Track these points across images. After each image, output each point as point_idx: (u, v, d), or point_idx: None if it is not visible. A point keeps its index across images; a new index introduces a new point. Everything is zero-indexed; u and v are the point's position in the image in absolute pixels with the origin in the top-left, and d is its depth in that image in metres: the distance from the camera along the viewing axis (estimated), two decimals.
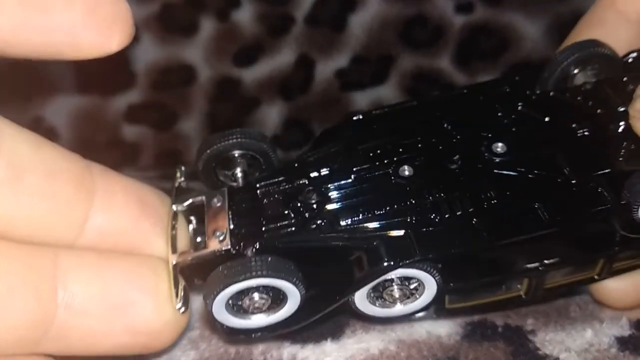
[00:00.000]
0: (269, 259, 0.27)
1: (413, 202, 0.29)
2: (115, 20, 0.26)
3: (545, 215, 0.28)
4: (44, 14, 0.25)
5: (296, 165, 0.31)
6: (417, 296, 0.29)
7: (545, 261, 0.29)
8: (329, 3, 0.55)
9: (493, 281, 0.30)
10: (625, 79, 0.33)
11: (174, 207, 0.31)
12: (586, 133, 0.31)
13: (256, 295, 0.28)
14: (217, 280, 0.27)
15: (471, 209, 0.29)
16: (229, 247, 0.29)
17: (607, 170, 0.29)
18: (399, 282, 0.29)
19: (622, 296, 0.31)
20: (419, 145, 0.31)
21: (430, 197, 0.29)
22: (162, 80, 0.55)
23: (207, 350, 0.31)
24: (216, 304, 0.28)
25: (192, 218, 0.31)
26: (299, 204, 0.30)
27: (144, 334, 0.28)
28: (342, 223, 0.29)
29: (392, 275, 0.28)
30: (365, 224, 0.29)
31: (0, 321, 0.25)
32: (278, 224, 0.29)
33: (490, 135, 0.31)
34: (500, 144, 0.31)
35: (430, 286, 0.29)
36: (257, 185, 0.31)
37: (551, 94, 0.33)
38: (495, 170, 0.30)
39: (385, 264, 0.27)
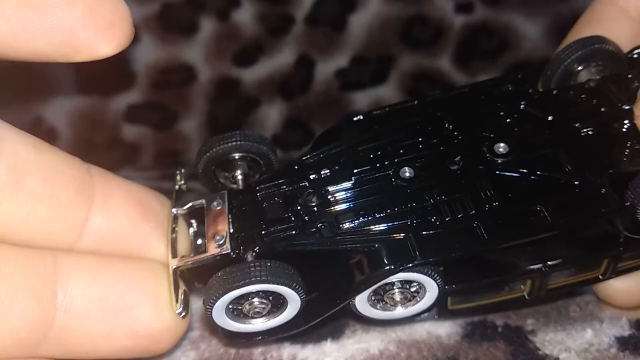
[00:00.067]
0: (269, 264, 0.27)
1: (414, 204, 0.29)
2: (115, 22, 0.26)
3: (547, 218, 0.28)
4: (44, 16, 0.25)
5: (296, 167, 0.31)
6: (419, 299, 0.29)
7: (549, 262, 0.29)
8: (329, 3, 0.55)
9: (496, 282, 0.30)
10: (630, 75, 0.32)
11: (174, 211, 0.31)
12: (590, 132, 0.31)
13: (256, 300, 0.28)
14: (216, 285, 0.27)
15: (472, 212, 0.28)
16: (229, 251, 0.28)
17: (610, 171, 0.29)
18: (400, 286, 0.28)
19: (627, 296, 0.31)
20: (420, 146, 0.31)
21: (431, 200, 0.29)
22: (162, 80, 0.55)
23: (207, 351, 0.31)
24: (216, 309, 0.28)
25: (193, 221, 0.31)
26: (299, 207, 0.30)
27: (143, 338, 0.28)
28: (343, 226, 0.29)
29: (393, 278, 0.28)
30: (366, 227, 0.29)
31: (0, 324, 0.25)
32: (278, 228, 0.29)
33: (492, 135, 0.31)
34: (502, 145, 0.30)
35: (432, 289, 0.29)
36: (257, 188, 0.31)
37: (554, 92, 0.33)
38: (497, 172, 0.30)
39: (386, 268, 0.27)
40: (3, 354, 0.26)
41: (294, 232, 0.29)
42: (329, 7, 0.55)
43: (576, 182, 0.29)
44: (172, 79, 0.55)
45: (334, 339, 0.31)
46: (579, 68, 0.33)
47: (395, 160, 0.31)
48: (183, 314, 0.28)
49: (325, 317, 0.29)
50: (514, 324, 0.32)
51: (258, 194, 0.30)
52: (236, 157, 0.32)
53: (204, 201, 0.31)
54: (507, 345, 0.31)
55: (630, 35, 0.34)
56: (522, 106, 0.32)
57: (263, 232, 0.29)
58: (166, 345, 0.29)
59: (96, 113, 0.55)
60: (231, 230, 0.29)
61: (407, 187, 0.30)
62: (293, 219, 0.29)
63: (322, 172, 0.31)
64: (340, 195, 0.30)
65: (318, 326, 0.30)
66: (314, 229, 0.29)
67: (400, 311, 0.30)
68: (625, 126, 0.30)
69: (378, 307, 0.29)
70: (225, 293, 0.27)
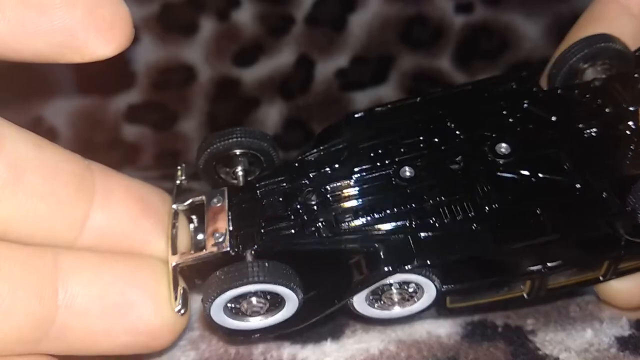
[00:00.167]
0: (267, 264, 0.27)
1: (413, 205, 0.29)
2: (115, 23, 0.26)
3: (546, 222, 0.28)
4: (44, 17, 0.25)
5: (297, 164, 0.31)
6: (416, 299, 0.29)
7: (548, 264, 0.28)
8: (329, 3, 0.55)
9: (494, 283, 0.30)
10: (636, 75, 0.32)
11: (175, 207, 0.31)
12: (593, 133, 0.30)
13: (254, 299, 0.28)
14: (214, 285, 0.27)
15: (472, 214, 0.28)
16: (228, 249, 0.29)
17: (613, 174, 0.29)
18: (398, 286, 0.28)
19: (629, 297, 0.31)
20: (421, 145, 0.31)
21: (431, 200, 0.29)
22: (162, 80, 0.55)
23: (207, 351, 0.31)
24: (214, 307, 0.28)
25: (193, 217, 0.32)
26: (298, 205, 0.30)
27: (143, 334, 0.28)
28: (342, 226, 0.29)
29: (391, 279, 0.28)
30: (365, 228, 0.28)
31: (2, 322, 0.25)
32: (277, 226, 0.29)
33: (494, 135, 0.31)
34: (504, 145, 0.30)
35: (430, 290, 0.29)
36: (257, 185, 0.31)
37: (559, 91, 0.32)
38: (498, 173, 0.29)
39: (384, 269, 0.27)
40: (4, 350, 0.26)
41: (293, 231, 0.29)
42: (329, 7, 0.55)
43: (577, 185, 0.29)
44: (172, 79, 0.55)
45: (334, 339, 0.31)
46: (585, 66, 0.33)
47: (396, 159, 0.30)
48: (182, 311, 0.28)
49: (323, 315, 0.29)
50: (514, 324, 0.32)
51: (258, 191, 0.30)
52: (237, 153, 0.32)
53: (204, 197, 0.31)
54: (507, 345, 0.31)
55: (633, 33, 0.33)
56: (525, 105, 0.32)
57: (262, 231, 0.29)
58: (166, 342, 0.29)
59: (96, 113, 0.55)
60: (230, 228, 0.29)
61: (407, 187, 0.29)
62: (292, 217, 0.29)
63: (323, 170, 0.31)
64: (339, 194, 0.30)
65: (318, 326, 0.30)
66: (313, 228, 0.29)
67: (398, 310, 0.30)
68: (630, 128, 0.30)
69: (376, 306, 0.29)
70: (223, 293, 0.27)
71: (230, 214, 0.30)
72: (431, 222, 0.28)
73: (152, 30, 0.53)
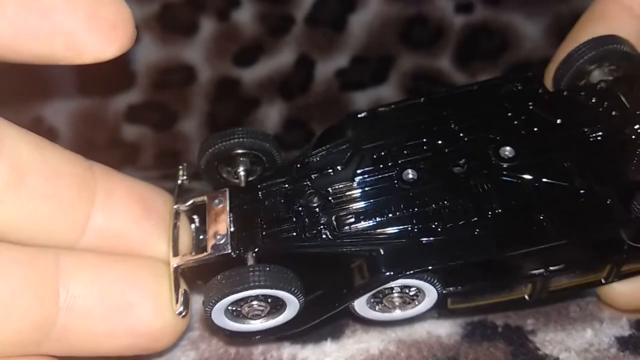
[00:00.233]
0: (267, 269, 0.27)
1: (415, 209, 0.29)
2: (117, 24, 0.26)
3: (549, 228, 0.27)
4: (45, 19, 0.25)
5: (299, 165, 0.31)
6: (417, 303, 0.29)
7: (550, 267, 0.28)
8: (329, 3, 0.54)
9: (496, 286, 0.30)
10: None
11: (176, 207, 0.31)
12: (599, 138, 0.30)
13: (255, 303, 0.28)
14: (215, 289, 0.27)
15: (474, 218, 0.28)
16: (229, 251, 0.28)
17: (617, 180, 0.28)
18: (399, 290, 0.28)
19: (631, 299, 0.31)
20: (425, 147, 0.31)
21: (433, 204, 0.28)
22: (162, 80, 0.55)
23: (207, 351, 0.31)
24: (215, 311, 0.28)
25: (195, 216, 0.31)
26: (300, 208, 0.29)
27: (144, 336, 0.28)
28: (343, 229, 0.29)
29: (393, 283, 0.28)
30: (366, 231, 0.28)
31: (3, 323, 0.25)
32: (278, 229, 0.29)
33: (498, 137, 0.30)
34: (508, 148, 0.30)
35: (431, 294, 0.29)
36: (259, 186, 0.31)
37: (564, 93, 0.32)
38: (502, 177, 0.29)
39: (386, 274, 0.27)
40: (5, 352, 0.26)
41: (294, 234, 0.29)
42: (329, 7, 0.55)
43: (581, 191, 0.28)
44: (172, 79, 0.55)
45: (334, 339, 0.31)
46: (592, 68, 0.32)
47: (399, 162, 0.30)
48: (183, 313, 0.28)
49: (324, 318, 0.29)
50: (514, 324, 0.32)
51: (259, 193, 0.30)
52: (239, 154, 0.31)
53: (205, 198, 0.31)
54: (507, 345, 0.31)
55: (635, 34, 0.33)
56: (530, 107, 0.32)
57: (264, 233, 0.29)
58: (166, 343, 0.29)
59: (96, 113, 0.55)
60: (232, 229, 0.29)
61: (409, 190, 0.29)
62: (294, 219, 0.29)
63: (325, 172, 0.30)
64: (341, 197, 0.30)
65: (318, 326, 0.30)
66: (315, 231, 0.29)
67: (399, 313, 0.30)
68: (636, 132, 0.30)
69: (377, 308, 0.29)
70: (224, 297, 0.27)
71: (231, 215, 0.30)
72: (433, 226, 0.28)
73: (152, 30, 0.53)
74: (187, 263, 0.29)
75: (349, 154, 0.31)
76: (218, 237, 0.29)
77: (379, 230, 0.28)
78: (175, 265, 0.29)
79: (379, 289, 0.28)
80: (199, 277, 0.30)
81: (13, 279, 0.25)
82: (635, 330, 0.31)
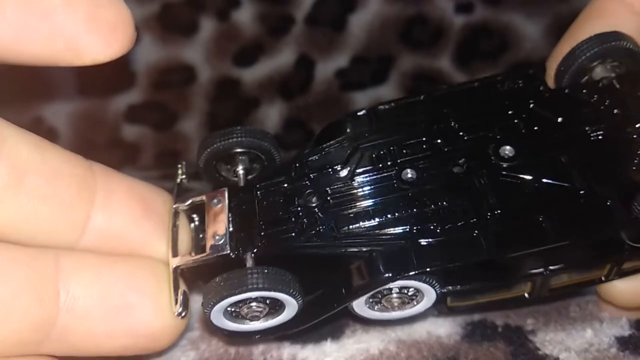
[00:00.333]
0: (266, 271, 0.27)
1: (414, 210, 0.28)
2: (117, 26, 0.26)
3: (548, 230, 0.27)
4: (45, 21, 0.25)
5: (297, 164, 0.31)
6: (416, 303, 0.29)
7: (550, 267, 0.28)
8: (329, 3, 0.54)
9: (496, 285, 0.29)
10: None
11: (175, 206, 0.31)
12: (600, 137, 0.29)
13: (254, 304, 0.28)
14: (214, 291, 0.27)
15: (473, 219, 0.28)
16: (228, 252, 0.28)
17: (618, 180, 0.28)
18: (398, 291, 0.28)
19: (631, 297, 0.31)
20: (424, 146, 0.30)
21: (432, 205, 0.28)
22: (162, 80, 0.55)
23: (207, 351, 0.31)
24: (214, 312, 0.28)
25: (195, 215, 0.32)
26: (298, 208, 0.29)
27: (144, 336, 0.28)
28: (342, 230, 0.28)
29: (392, 284, 0.28)
30: (365, 232, 0.28)
31: (3, 324, 0.25)
32: (277, 229, 0.29)
33: (499, 136, 0.30)
34: (508, 148, 0.30)
35: (429, 294, 0.28)
36: (258, 186, 0.31)
37: (566, 91, 0.32)
38: (501, 177, 0.29)
39: (384, 276, 0.27)
40: (5, 352, 0.26)
41: (293, 234, 0.29)
42: (329, 7, 0.55)
43: (581, 192, 0.28)
44: (172, 79, 0.55)
45: (334, 339, 0.31)
46: (594, 64, 0.32)
47: (398, 161, 0.30)
48: (182, 314, 0.28)
49: (322, 318, 0.29)
50: (514, 324, 0.32)
51: (258, 192, 0.30)
52: (238, 152, 0.31)
53: (204, 198, 0.31)
54: (507, 345, 0.31)
55: (635, 31, 0.33)
56: (531, 105, 0.31)
57: (262, 233, 0.29)
58: (166, 343, 0.29)
59: (96, 113, 0.55)
60: (231, 229, 0.29)
61: (408, 190, 0.29)
62: (293, 219, 0.29)
63: (324, 171, 0.30)
64: (340, 197, 0.29)
65: (318, 326, 0.30)
66: (313, 232, 0.29)
67: (398, 313, 0.30)
68: (638, 131, 0.29)
69: (376, 308, 0.29)
70: (222, 300, 0.27)
71: (230, 215, 0.30)
72: (432, 227, 0.28)
73: (152, 30, 0.53)
74: (186, 263, 0.29)
75: (348, 152, 0.31)
76: (217, 237, 0.29)
77: (377, 231, 0.28)
78: (174, 266, 0.29)
79: (377, 290, 0.28)
80: (199, 277, 0.30)
81: (13, 279, 0.25)
82: (635, 330, 0.31)
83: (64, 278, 0.26)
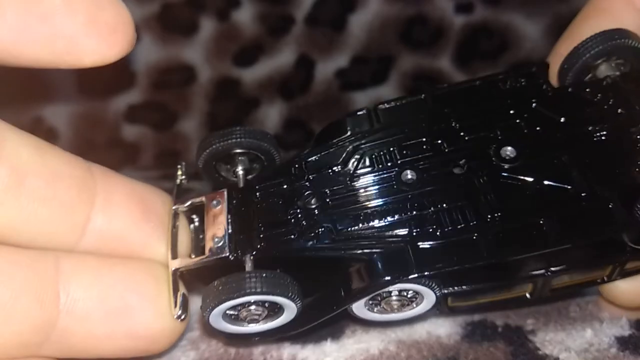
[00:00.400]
0: (264, 274, 0.27)
1: (414, 212, 0.28)
2: (117, 28, 0.26)
3: (550, 232, 0.27)
4: (45, 23, 0.25)
5: (296, 165, 0.31)
6: (415, 305, 0.29)
7: (552, 268, 0.28)
8: (329, 3, 0.54)
9: (496, 286, 0.29)
10: None
11: (175, 208, 0.31)
12: (603, 137, 0.29)
13: (253, 308, 0.28)
14: (212, 295, 0.27)
15: (473, 222, 0.28)
16: (227, 254, 0.28)
17: (620, 181, 0.28)
18: (397, 293, 0.28)
19: (633, 297, 0.31)
20: (425, 147, 0.30)
21: (432, 207, 0.28)
22: (162, 80, 0.55)
23: (207, 351, 0.31)
24: (213, 316, 0.28)
25: (194, 216, 0.31)
26: (298, 209, 0.29)
27: (143, 338, 0.28)
28: (341, 232, 0.28)
29: (391, 287, 0.28)
30: (365, 235, 0.28)
31: (4, 326, 0.25)
32: (276, 231, 0.29)
33: (500, 137, 0.30)
34: (509, 148, 0.29)
35: (429, 297, 0.28)
36: (257, 187, 0.31)
37: (569, 89, 0.31)
38: (502, 179, 0.29)
39: (384, 279, 0.27)
40: (5, 354, 0.26)
41: (292, 237, 0.29)
42: (329, 7, 0.55)
43: (583, 194, 0.28)
44: (172, 79, 0.55)
45: (334, 339, 0.31)
46: (598, 63, 0.31)
47: (398, 162, 0.30)
48: (182, 317, 0.28)
49: (322, 321, 0.29)
50: (514, 324, 0.32)
51: (257, 193, 0.30)
52: (237, 153, 0.31)
53: (204, 199, 0.31)
54: (507, 345, 0.31)
55: (637, 28, 0.32)
56: (533, 104, 0.31)
57: (261, 236, 0.29)
58: (165, 345, 0.29)
59: (96, 113, 0.55)
60: (230, 231, 0.29)
61: (408, 192, 0.29)
62: (292, 221, 0.29)
63: (323, 172, 0.30)
64: (340, 198, 0.29)
65: (318, 327, 0.30)
66: (312, 234, 0.28)
67: (397, 315, 0.29)
68: None
69: (375, 310, 0.29)
70: (221, 304, 0.27)
71: (229, 217, 0.30)
72: (431, 230, 0.28)
73: (152, 30, 0.53)
74: (185, 266, 0.29)
75: (348, 153, 0.31)
76: (216, 239, 0.29)
77: (377, 233, 0.28)
78: (174, 268, 0.29)
79: (377, 292, 0.28)
80: (198, 279, 0.30)
81: (13, 281, 0.25)
82: (635, 330, 0.31)
83: (64, 280, 0.26)
